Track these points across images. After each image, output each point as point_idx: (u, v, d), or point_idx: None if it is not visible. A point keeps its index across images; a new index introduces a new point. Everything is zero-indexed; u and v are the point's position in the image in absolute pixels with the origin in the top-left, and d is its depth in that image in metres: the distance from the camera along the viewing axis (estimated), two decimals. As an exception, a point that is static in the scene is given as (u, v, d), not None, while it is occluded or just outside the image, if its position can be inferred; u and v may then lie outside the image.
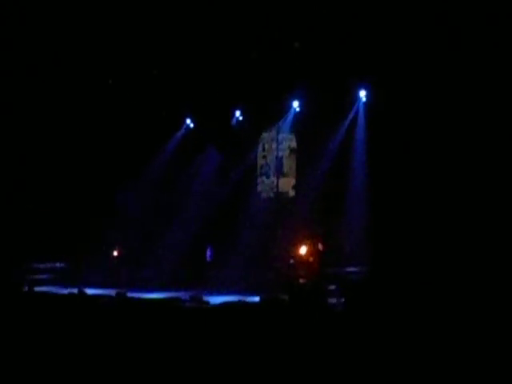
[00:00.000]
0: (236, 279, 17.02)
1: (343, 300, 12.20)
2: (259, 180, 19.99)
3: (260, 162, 20.00)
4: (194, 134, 20.17)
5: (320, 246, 17.26)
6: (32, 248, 18.17)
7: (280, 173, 19.53)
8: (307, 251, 17.38)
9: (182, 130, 20.51)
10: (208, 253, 19.13)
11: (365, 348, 7.46)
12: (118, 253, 19.81)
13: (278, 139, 19.40)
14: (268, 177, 19.93)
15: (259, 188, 19.95)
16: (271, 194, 19.78)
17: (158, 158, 20.27)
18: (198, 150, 19.89)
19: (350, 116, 17.82)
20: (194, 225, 19.14)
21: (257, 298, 12.75)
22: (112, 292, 13.42)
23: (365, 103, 17.49)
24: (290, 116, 18.89)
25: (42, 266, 18.61)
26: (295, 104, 18.51)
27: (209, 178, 19.84)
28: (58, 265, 19.11)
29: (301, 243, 17.50)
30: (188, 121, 20.37)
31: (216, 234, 18.98)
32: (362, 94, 17.51)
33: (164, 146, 20.31)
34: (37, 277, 17.38)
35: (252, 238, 18.29)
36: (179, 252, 18.64)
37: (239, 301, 12.13)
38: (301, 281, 15.78)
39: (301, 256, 17.41)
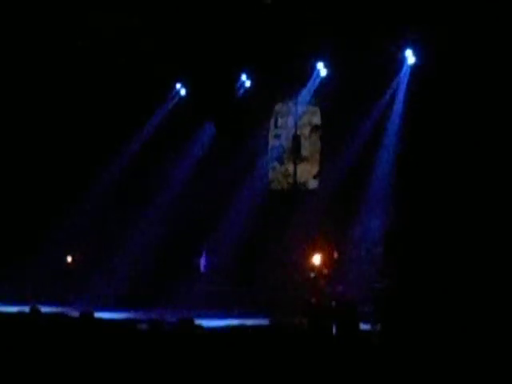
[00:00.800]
0: (235, 296, 17.22)
1: (379, 326, 12.29)
2: (270, 166, 20.03)
3: (272, 142, 20.04)
4: (186, 104, 20.04)
5: (335, 254, 17.37)
6: None
7: (298, 157, 19.60)
8: (322, 261, 17.53)
9: (171, 100, 20.38)
10: (202, 261, 19.16)
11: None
12: (73, 259, 20.05)
13: (296, 113, 19.35)
14: (282, 162, 20.04)
15: (270, 176, 20.02)
16: (285, 185, 19.88)
17: (136, 136, 20.28)
18: (190, 126, 19.82)
19: (393, 86, 17.62)
20: (182, 224, 19.17)
21: (265, 322, 12.84)
22: (73, 311, 13.47)
23: (411, 68, 17.19)
24: (314, 83, 18.72)
25: None
26: (320, 67, 18.31)
27: (203, 162, 19.77)
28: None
29: (314, 250, 17.64)
30: (178, 86, 20.21)
31: (210, 236, 19.00)
32: (409, 55, 17.11)
33: (145, 121, 20.25)
34: None
35: (258, 242, 18.44)
36: (160, 259, 18.78)
37: (242, 325, 12.21)
38: (320, 300, 15.88)
39: (314, 267, 17.53)
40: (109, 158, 20.00)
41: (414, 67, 17.19)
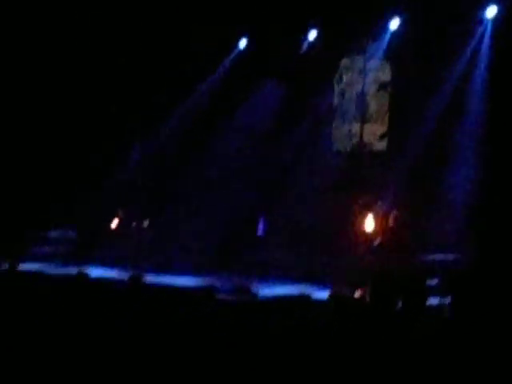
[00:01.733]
0: (294, 263, 16.56)
1: (449, 300, 11.74)
2: (334, 125, 19.40)
3: (336, 100, 19.40)
4: (249, 60, 19.45)
5: (391, 221, 16.82)
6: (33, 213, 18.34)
7: (363, 116, 18.91)
8: (375, 227, 16.75)
9: (233, 55, 19.88)
10: (260, 226, 18.76)
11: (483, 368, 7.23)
12: (119, 222, 19.59)
13: (364, 68, 18.53)
14: (345, 121, 19.44)
15: (333, 137, 19.42)
16: (347, 147, 19.35)
17: (195, 92, 19.82)
18: (252, 83, 19.16)
19: (472, 44, 16.83)
20: (239, 186, 18.61)
21: (324, 293, 12.52)
22: (124, 275, 13.41)
23: (492, 25, 16.41)
24: (384, 37, 17.94)
25: (48, 234, 18.62)
26: (394, 24, 17.60)
27: (265, 121, 19.14)
28: (68, 233, 19.08)
29: (366, 215, 16.96)
30: (242, 42, 19.67)
31: (269, 199, 18.58)
32: (491, 12, 16.38)
33: (206, 77, 19.77)
34: (37, 249, 17.37)
35: (319, 207, 17.88)
36: (215, 222, 18.33)
37: (300, 295, 11.92)
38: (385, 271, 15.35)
39: (364, 233, 16.84)
40: (168, 115, 19.72)
41: (496, 21, 16.41)
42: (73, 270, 13.45)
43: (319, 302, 11.66)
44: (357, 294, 13.04)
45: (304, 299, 11.53)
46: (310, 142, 18.79)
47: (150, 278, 13.39)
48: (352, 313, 10.27)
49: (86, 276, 12.66)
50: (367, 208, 17.23)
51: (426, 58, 16.91)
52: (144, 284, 12.64)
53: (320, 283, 14.50)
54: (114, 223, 19.56)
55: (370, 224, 16.92)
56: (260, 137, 19.19)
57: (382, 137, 18.92)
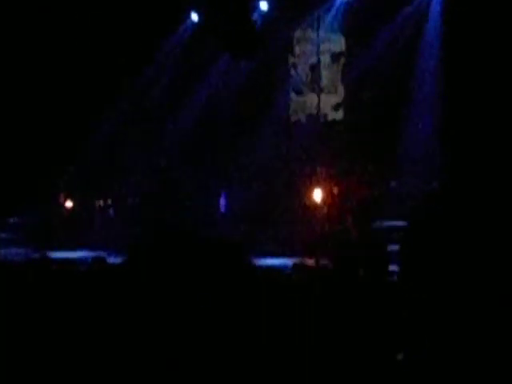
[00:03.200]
0: (256, 236, 16.68)
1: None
2: (290, 97, 19.46)
3: (291, 72, 19.41)
4: (200, 33, 19.10)
5: (335, 190, 16.96)
6: None
7: (317, 87, 18.98)
8: (323, 196, 17.13)
9: (183, 29, 19.61)
10: (222, 201, 18.68)
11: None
12: (72, 204, 19.52)
13: (318, 39, 18.62)
14: (300, 93, 19.46)
15: (291, 108, 19.45)
16: (302, 117, 19.36)
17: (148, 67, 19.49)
18: (205, 56, 19.03)
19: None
20: (199, 161, 18.73)
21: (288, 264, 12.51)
22: (86, 254, 13.31)
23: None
24: (338, 9, 18.05)
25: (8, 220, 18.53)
26: None
27: (221, 97, 19.17)
28: (28, 219, 18.89)
29: (314, 186, 17.29)
30: (193, 15, 19.31)
31: (228, 175, 18.67)
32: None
33: (157, 49, 19.45)
34: None
35: (278, 178, 17.94)
36: (176, 201, 18.35)
37: (267, 266, 11.91)
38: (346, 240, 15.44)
39: (314, 203, 17.17)
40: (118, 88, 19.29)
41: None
42: (34, 255, 13.29)
43: (283, 273, 11.65)
44: (319, 263, 13.11)
45: (269, 270, 11.53)
46: (266, 114, 18.80)
47: (113, 259, 13.27)
48: (316, 281, 10.26)
49: (48, 259, 12.53)
50: (317, 178, 17.35)
51: (378, 26, 16.99)
52: (107, 265, 12.52)
53: (283, 254, 14.56)
54: (69, 203, 19.44)
55: (317, 194, 17.07)
56: (217, 112, 19.20)
57: (336, 107, 18.98)
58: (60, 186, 19.24)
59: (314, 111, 19.22)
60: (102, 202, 19.53)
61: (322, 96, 19.02)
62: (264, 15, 18.76)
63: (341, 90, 19.09)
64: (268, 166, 18.22)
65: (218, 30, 18.69)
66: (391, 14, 16.74)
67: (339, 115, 18.98)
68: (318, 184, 17.46)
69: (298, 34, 19.29)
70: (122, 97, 19.36)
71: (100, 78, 18.95)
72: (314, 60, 19.16)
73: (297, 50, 19.43)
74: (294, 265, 12.70)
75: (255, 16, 18.75)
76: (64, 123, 18.95)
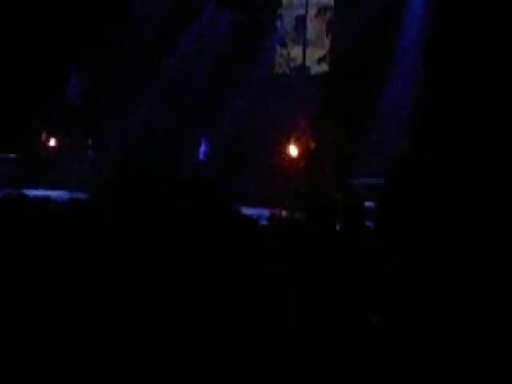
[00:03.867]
0: (235, 187, 16.71)
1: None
2: (276, 50, 19.34)
3: (277, 23, 19.23)
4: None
5: (312, 144, 16.95)
6: None
7: (301, 40, 18.85)
8: (298, 152, 17.06)
9: None
10: (202, 149, 18.57)
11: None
12: (56, 142, 19.26)
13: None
14: (283, 45, 19.33)
15: (276, 61, 19.33)
16: (287, 70, 19.23)
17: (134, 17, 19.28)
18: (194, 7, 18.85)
19: None
20: (182, 109, 18.59)
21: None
22: (64, 196, 13.18)
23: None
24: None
25: None
26: None
27: (202, 47, 19.05)
28: (8, 156, 18.61)
29: (289, 140, 17.21)
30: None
31: (208, 123, 18.48)
32: None
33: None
34: None
35: (257, 131, 17.86)
36: (155, 143, 18.26)
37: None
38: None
39: (291, 158, 17.15)
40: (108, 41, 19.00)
41: None
42: (12, 192, 13.14)
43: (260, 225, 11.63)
44: (295, 216, 13.07)
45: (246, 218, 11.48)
46: (252, 65, 18.67)
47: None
48: (292, 234, 10.24)
49: (24, 197, 12.43)
50: (297, 133, 17.31)
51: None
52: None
53: (258, 206, 14.52)
54: (52, 141, 19.23)
55: (293, 150, 17.06)
56: (202, 62, 19.03)
57: (320, 60, 18.84)
58: (41, 124, 18.96)
59: (298, 64, 19.07)
60: (89, 142, 19.35)
61: (307, 49, 18.83)
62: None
63: (326, 43, 18.89)
64: (252, 117, 18.09)
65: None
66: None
67: (322, 69, 18.82)
68: (297, 139, 17.40)
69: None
70: (109, 45, 19.07)
71: (84, 27, 18.77)
72: (300, 12, 18.92)
73: (283, 1, 19.18)
74: (271, 215, 12.76)
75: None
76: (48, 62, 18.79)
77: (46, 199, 13.07)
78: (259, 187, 16.48)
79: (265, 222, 11.94)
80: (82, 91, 19.69)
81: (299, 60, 19.08)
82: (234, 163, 17.60)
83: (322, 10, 18.72)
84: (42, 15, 18.70)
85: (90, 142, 19.14)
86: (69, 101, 19.50)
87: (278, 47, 19.35)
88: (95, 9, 18.37)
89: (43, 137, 19.23)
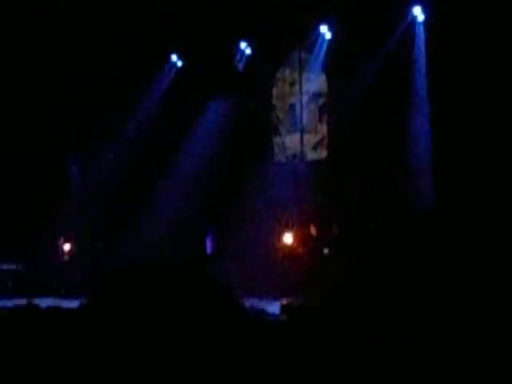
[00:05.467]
0: (243, 278, 16.52)
1: None
2: (273, 139, 19.34)
3: (271, 113, 19.27)
4: (184, 76, 19.09)
5: (313, 230, 16.75)
6: None
7: (295, 128, 18.86)
8: (294, 239, 16.89)
9: (166, 72, 19.46)
10: (208, 243, 18.43)
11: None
12: (70, 247, 18.90)
13: (300, 80, 18.39)
14: (278, 134, 19.32)
15: (275, 150, 19.28)
16: (283, 158, 19.26)
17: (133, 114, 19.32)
18: (195, 104, 18.83)
19: (396, 37, 16.62)
20: (186, 203, 18.40)
21: (275, 306, 12.24)
22: (74, 303, 12.88)
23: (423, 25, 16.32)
24: (319, 49, 17.81)
25: None
26: (324, 30, 17.33)
27: (206, 138, 18.90)
28: (16, 266, 18.22)
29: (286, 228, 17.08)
30: (174, 58, 19.22)
31: (215, 217, 18.42)
32: (417, 11, 16.30)
33: (141, 94, 19.25)
34: None
35: (262, 220, 17.73)
36: (165, 241, 17.90)
37: (254, 309, 11.59)
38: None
39: (286, 246, 17.01)
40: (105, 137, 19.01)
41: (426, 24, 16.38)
42: (22, 302, 12.90)
43: (272, 315, 11.40)
44: (309, 304, 12.83)
45: (257, 313, 11.26)
46: (257, 157, 18.49)
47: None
48: (306, 321, 10.02)
49: (35, 307, 12.21)
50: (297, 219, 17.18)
51: (358, 65, 16.80)
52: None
53: (268, 296, 14.32)
54: (67, 246, 18.90)
55: (289, 238, 16.99)
56: (203, 152, 18.90)
57: (315, 146, 18.82)
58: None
59: (292, 152, 19.05)
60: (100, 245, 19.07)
61: (302, 136, 18.83)
62: (247, 57, 18.66)
63: (320, 129, 18.88)
64: (254, 208, 17.94)
65: (201, 73, 18.53)
66: (374, 53, 16.46)
67: (318, 155, 18.77)
68: (297, 225, 17.30)
69: (278, 74, 19.13)
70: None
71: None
72: (292, 101, 19.02)
73: (275, 91, 19.28)
74: (283, 306, 12.50)
75: (238, 58, 18.74)
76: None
77: (58, 309, 12.79)
78: (268, 275, 16.28)
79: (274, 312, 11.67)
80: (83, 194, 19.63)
81: (294, 148, 19.01)
82: (241, 254, 17.39)
83: (315, 97, 18.74)
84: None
85: (100, 244, 18.89)
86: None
87: (273, 136, 19.37)
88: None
89: (61, 241, 18.94)
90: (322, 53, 17.89)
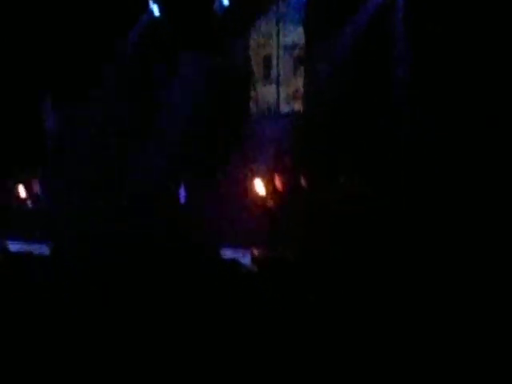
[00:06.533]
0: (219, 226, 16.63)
1: None
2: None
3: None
4: (162, 26, 18.90)
5: (278, 182, 16.89)
6: None
7: (267, 80, 18.85)
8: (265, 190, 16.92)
9: (145, 20, 19.15)
10: (182, 193, 18.37)
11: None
12: (29, 191, 18.74)
13: (278, 32, 18.41)
14: (252, 85, 19.26)
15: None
16: (254, 110, 19.27)
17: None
18: (172, 56, 18.72)
19: None
20: (161, 152, 18.46)
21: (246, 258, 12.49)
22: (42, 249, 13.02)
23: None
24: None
25: None
26: None
27: (185, 89, 18.81)
28: None
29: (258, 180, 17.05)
30: (153, 7, 18.96)
31: (188, 165, 18.31)
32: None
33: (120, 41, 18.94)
34: None
35: (235, 171, 17.83)
36: (138, 190, 17.98)
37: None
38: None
39: (258, 197, 17.00)
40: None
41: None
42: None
43: (244, 266, 11.60)
44: (278, 254, 13.03)
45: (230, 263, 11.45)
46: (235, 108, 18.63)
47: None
48: (277, 272, 10.23)
49: (7, 251, 12.31)
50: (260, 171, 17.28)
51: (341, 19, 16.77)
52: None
53: (238, 247, 14.48)
54: (22, 191, 18.67)
55: (260, 188, 16.99)
56: (181, 102, 18.88)
57: (289, 99, 18.88)
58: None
59: (265, 104, 19.11)
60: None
61: (273, 88, 18.82)
62: (225, 7, 18.58)
63: (293, 82, 18.94)
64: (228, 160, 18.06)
65: (178, 24, 18.51)
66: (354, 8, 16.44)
67: (293, 107, 18.84)
68: (269, 177, 17.42)
69: (253, 27, 18.99)
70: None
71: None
72: (267, 51, 19.03)
73: (252, 43, 19.23)
74: (253, 257, 12.67)
75: (216, 8, 18.69)
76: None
77: (29, 253, 12.90)
78: (239, 226, 16.39)
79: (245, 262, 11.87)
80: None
81: (268, 100, 19.06)
82: (213, 204, 17.49)
83: (289, 49, 18.74)
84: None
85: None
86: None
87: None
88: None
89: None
90: (301, 5, 17.85)
